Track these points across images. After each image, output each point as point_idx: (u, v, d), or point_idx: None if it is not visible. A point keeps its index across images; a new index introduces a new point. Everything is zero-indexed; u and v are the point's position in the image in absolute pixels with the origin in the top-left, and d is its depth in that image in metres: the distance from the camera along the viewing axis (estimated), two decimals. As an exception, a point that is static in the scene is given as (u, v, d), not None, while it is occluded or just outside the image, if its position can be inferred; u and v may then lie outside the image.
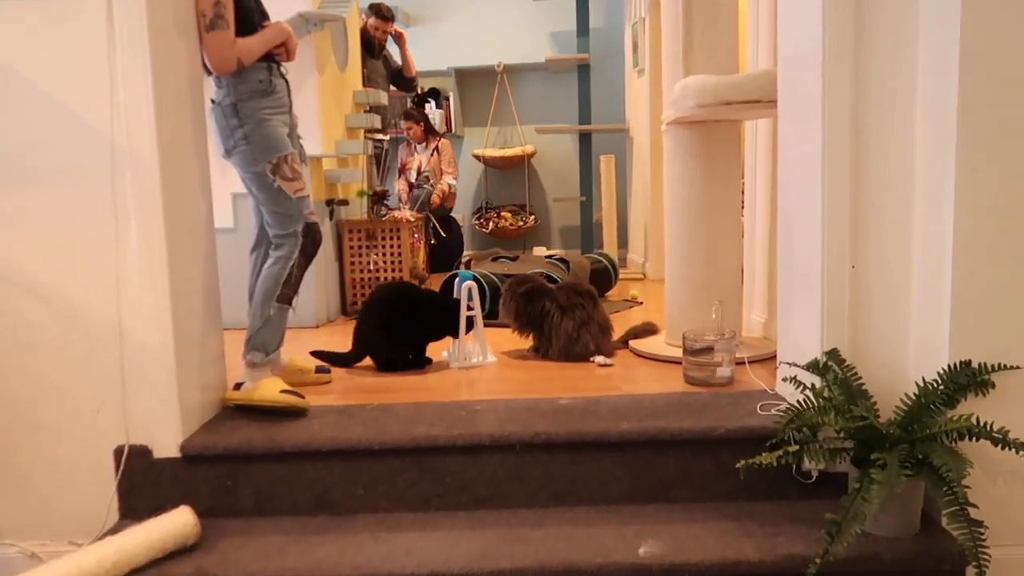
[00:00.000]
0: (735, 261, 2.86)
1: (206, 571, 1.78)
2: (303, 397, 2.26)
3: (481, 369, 2.81)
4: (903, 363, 1.94)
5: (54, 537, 2.08)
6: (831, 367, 1.91)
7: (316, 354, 2.79)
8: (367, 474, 2.05)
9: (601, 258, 4.40)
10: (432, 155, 5.69)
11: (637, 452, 2.03)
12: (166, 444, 2.05)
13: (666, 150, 2.91)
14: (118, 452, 2.05)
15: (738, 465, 1.85)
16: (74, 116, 2.01)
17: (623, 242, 5.81)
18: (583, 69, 5.77)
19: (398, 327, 2.81)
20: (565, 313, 2.88)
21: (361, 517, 2.03)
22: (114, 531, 1.91)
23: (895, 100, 1.89)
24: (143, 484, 2.06)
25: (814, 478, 1.98)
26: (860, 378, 1.90)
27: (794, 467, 1.98)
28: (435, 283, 4.04)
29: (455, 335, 2.87)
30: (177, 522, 1.87)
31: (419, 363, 2.86)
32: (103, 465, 2.06)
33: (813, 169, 1.96)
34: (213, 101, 2.28)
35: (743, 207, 3.12)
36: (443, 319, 2.87)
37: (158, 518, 1.88)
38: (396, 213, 4.24)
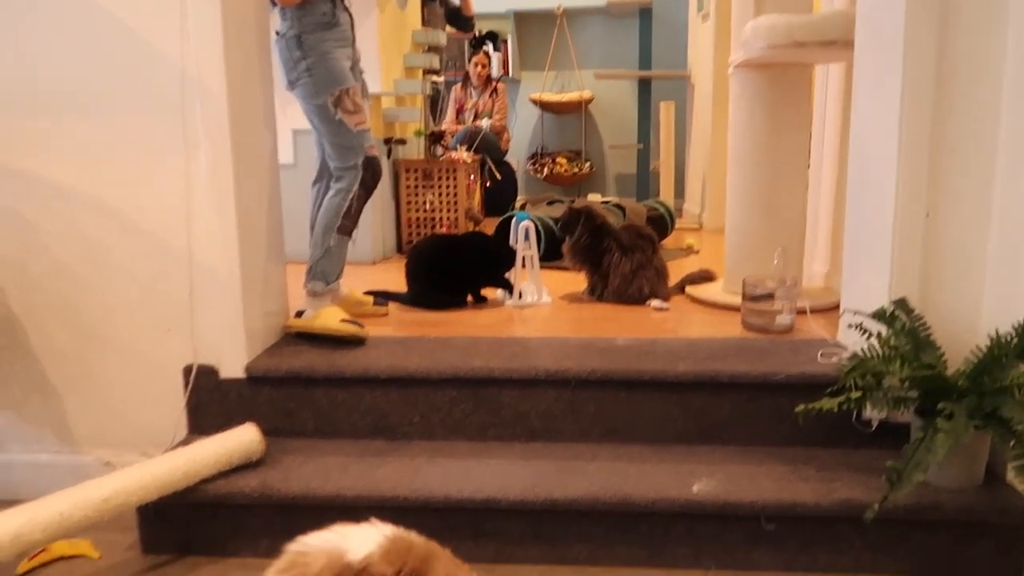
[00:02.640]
0: (799, 210, 2.79)
1: (270, 485, 1.86)
2: (362, 327, 2.31)
3: (536, 309, 2.82)
4: (974, 315, 1.89)
5: (127, 448, 2.19)
6: (899, 316, 1.87)
7: (372, 293, 2.83)
8: (424, 402, 2.09)
9: (657, 206, 4.34)
10: (489, 97, 5.63)
11: (693, 394, 2.02)
12: (232, 365, 2.12)
13: (732, 94, 2.83)
14: (187, 371, 2.13)
15: (797, 410, 1.83)
16: (146, 44, 2.04)
17: (679, 192, 5.71)
18: (645, 13, 5.62)
19: (446, 278, 2.83)
20: (625, 253, 2.86)
21: (417, 443, 2.08)
22: (183, 444, 1.99)
23: (983, 41, 1.80)
24: (210, 402, 2.13)
25: (874, 427, 1.96)
26: (928, 328, 1.85)
27: (854, 415, 1.96)
28: (489, 227, 4.05)
29: (503, 285, 2.88)
30: (243, 438, 1.94)
31: (476, 298, 2.89)
32: (173, 383, 2.14)
33: (890, 113, 1.89)
34: (278, 33, 2.29)
35: (810, 156, 3.03)
36: (491, 265, 2.88)
37: (225, 433, 1.95)
38: (453, 154, 4.23)
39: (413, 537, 1.36)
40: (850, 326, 1.94)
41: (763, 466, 1.90)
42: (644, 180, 5.76)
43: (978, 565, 1.76)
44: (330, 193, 2.38)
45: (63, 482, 1.73)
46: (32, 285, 2.15)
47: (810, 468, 1.88)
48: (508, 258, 2.87)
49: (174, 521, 1.90)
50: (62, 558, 1.90)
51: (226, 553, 1.89)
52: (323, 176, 2.47)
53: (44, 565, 1.88)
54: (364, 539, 1.30)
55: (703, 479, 1.83)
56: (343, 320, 2.29)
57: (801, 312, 2.46)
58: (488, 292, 2.94)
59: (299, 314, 2.39)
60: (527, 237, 2.90)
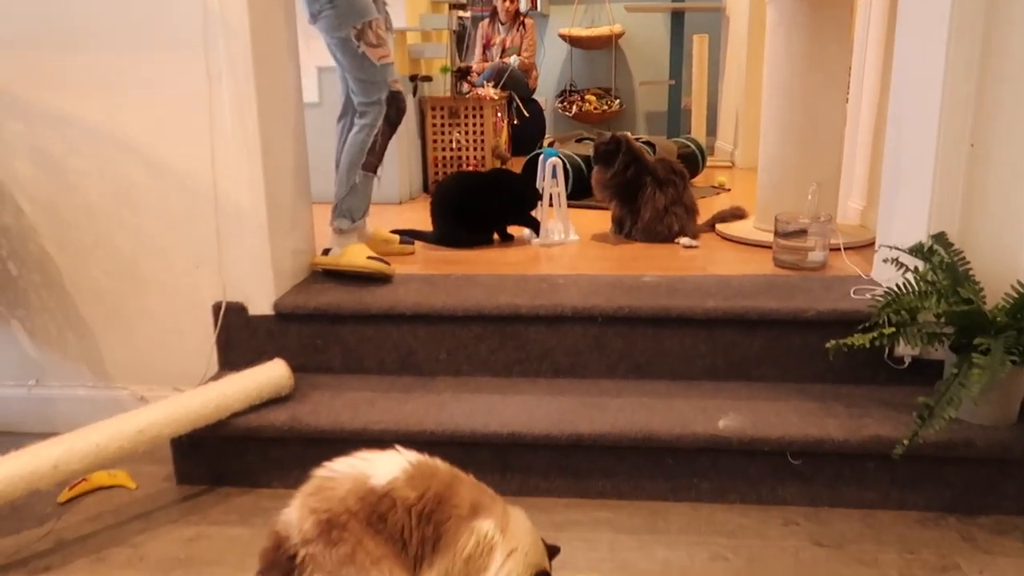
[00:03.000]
0: (836, 144, 2.70)
1: (299, 419, 1.88)
2: (388, 264, 2.30)
3: (563, 247, 2.79)
4: (1016, 249, 1.83)
5: (160, 383, 2.23)
6: (937, 251, 1.81)
7: (398, 232, 2.81)
8: (450, 339, 2.09)
9: (688, 143, 4.24)
10: (517, 31, 5.50)
11: (722, 330, 2.00)
12: (260, 302, 2.14)
13: (769, 23, 2.71)
14: (216, 308, 2.15)
15: (828, 345, 1.80)
16: (166, -24, 2.00)
17: (711, 129, 5.57)
18: (679, -59, 5.40)
19: (471, 216, 2.80)
20: (660, 188, 2.79)
21: (443, 379, 2.09)
22: (214, 380, 2.02)
23: (1042, -44, 1.69)
24: (239, 339, 2.16)
25: (906, 364, 1.92)
26: (967, 263, 1.80)
27: (886, 351, 1.92)
28: (516, 166, 3.99)
29: (529, 224, 2.84)
30: (272, 373, 1.97)
31: (502, 236, 2.87)
32: (203, 319, 2.17)
33: (937, 40, 1.80)
34: (299, -36, 2.23)
35: (848, 90, 2.92)
36: (516, 203, 2.84)
37: (254, 369, 1.98)
38: (480, 91, 4.15)
39: (438, 463, 1.38)
40: (885, 261, 1.89)
41: (791, 402, 1.88)
42: (675, 118, 5.62)
43: (1008, 503, 1.73)
44: (354, 130, 2.35)
45: (99, 416, 1.77)
46: (64, 224, 2.17)
47: (839, 405, 1.86)
48: (533, 196, 2.84)
49: (207, 453, 1.95)
50: (101, 488, 1.97)
51: (258, 484, 1.94)
52: (347, 112, 2.44)
53: (84, 495, 1.94)
54: (389, 464, 1.32)
55: (730, 415, 1.82)
56: (370, 257, 2.29)
57: (835, 249, 2.40)
58: (514, 230, 2.91)
59: (326, 252, 2.39)
60: (555, 175, 2.85)
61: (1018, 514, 1.73)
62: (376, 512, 1.27)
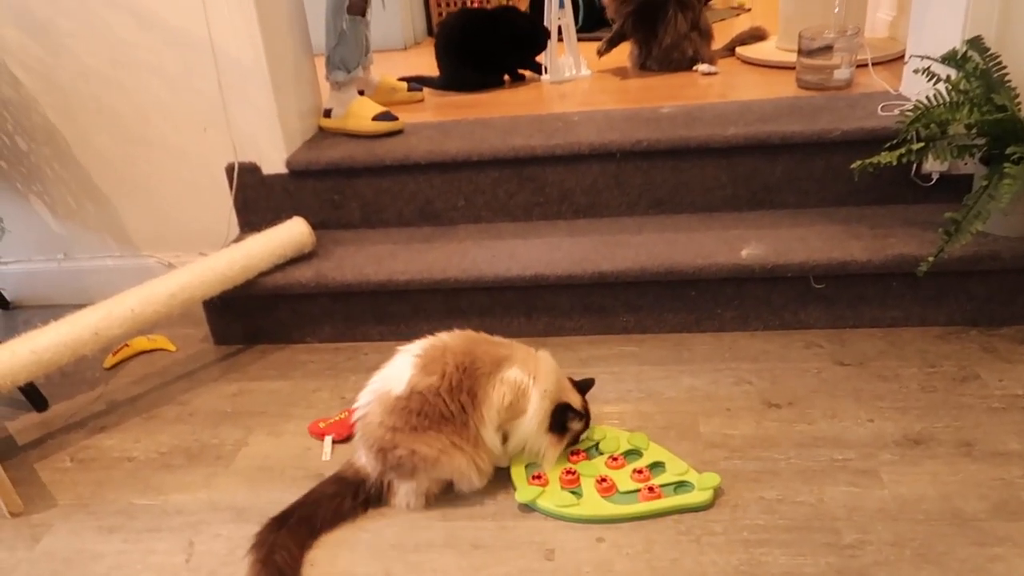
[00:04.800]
0: (865, -52, 2.51)
1: (325, 274, 1.91)
2: (397, 118, 2.23)
3: (575, 83, 2.69)
4: (1058, 51, 1.72)
5: (185, 249, 2.26)
6: (971, 57, 1.71)
7: (406, 79, 2.71)
8: (467, 185, 2.07)
9: (705, -40, 3.95)
10: None
11: (743, 158, 1.95)
12: (273, 160, 2.11)
13: None
14: (229, 169, 2.13)
15: (853, 165, 1.75)
16: None
17: (730, -56, 5.17)
18: None
19: (479, 57, 2.67)
20: (682, 10, 2.62)
21: (463, 227, 2.09)
22: (237, 242, 2.03)
23: None
24: (256, 199, 2.15)
25: (934, 180, 1.87)
26: (1004, 68, 1.70)
27: (914, 169, 1.87)
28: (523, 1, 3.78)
29: (534, 68, 2.72)
30: (293, 231, 1.98)
31: (513, 77, 2.77)
32: (218, 182, 2.15)
33: None
34: None
35: None
36: (524, 44, 2.70)
37: (275, 228, 1.99)
38: (478, -83, 3.85)
39: (443, 337, 1.43)
40: (916, 72, 1.79)
41: (815, 227, 1.86)
42: (691, -67, 5.21)
43: (1033, 312, 1.74)
44: None
45: (129, 284, 1.80)
46: (62, 91, 2.11)
47: (863, 226, 1.83)
48: (540, 38, 2.69)
49: (239, 313, 2.00)
50: (143, 352, 2.04)
51: (291, 340, 2.00)
52: None
53: (127, 359, 2.03)
54: (400, 368, 1.39)
55: (752, 243, 1.81)
56: (376, 116, 2.20)
57: (862, 65, 2.29)
58: (525, 71, 2.79)
59: (327, 112, 2.30)
60: (562, 5, 2.69)
61: (1041, 322, 1.75)
62: (412, 412, 1.34)
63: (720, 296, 1.82)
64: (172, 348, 2.05)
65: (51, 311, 1.78)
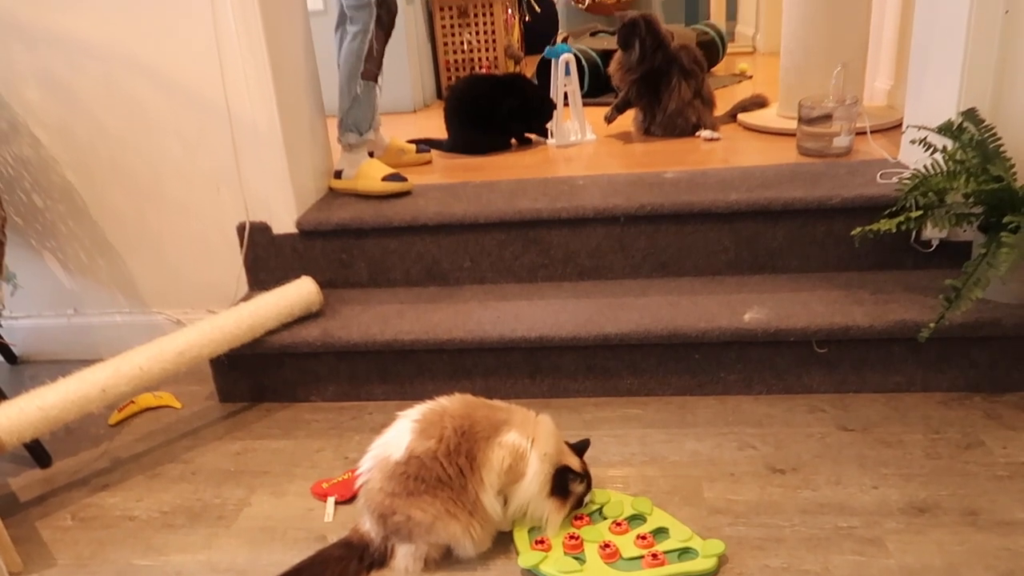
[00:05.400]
0: (862, 21, 2.58)
1: (331, 333, 1.93)
2: (405, 180, 2.28)
3: (581, 147, 2.75)
4: (1051, 123, 1.77)
5: (194, 306, 2.28)
6: (967, 128, 1.76)
7: (414, 141, 2.78)
8: (473, 247, 2.10)
9: (707, 29, 4.08)
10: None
11: (745, 223, 1.98)
12: (283, 220, 2.15)
13: None
14: (240, 228, 2.17)
15: (854, 232, 1.78)
16: None
17: (731, 13, 5.33)
18: None
19: (486, 121, 2.75)
20: (684, 79, 2.70)
21: (469, 288, 2.12)
22: (245, 300, 2.06)
23: None
24: (266, 257, 2.19)
25: (933, 247, 1.90)
26: (999, 139, 1.74)
27: (913, 235, 1.90)
28: (530, 65, 3.89)
29: (541, 133, 2.79)
30: (302, 290, 2.00)
31: (519, 140, 2.83)
32: (229, 241, 2.19)
33: None
34: None
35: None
36: (531, 112, 2.78)
37: (283, 287, 2.01)
38: (488, -13, 3.99)
39: (442, 402, 1.44)
40: (913, 142, 1.84)
41: (816, 292, 1.88)
42: (692, 2, 5.39)
43: (1036, 379, 1.75)
44: (348, 38, 2.27)
45: (138, 340, 1.82)
46: (80, 149, 2.17)
47: (864, 291, 1.85)
48: (547, 106, 2.77)
49: (245, 371, 2.01)
50: (148, 409, 2.05)
51: (296, 399, 2.01)
52: (343, 21, 2.36)
53: (132, 416, 2.03)
54: (399, 433, 1.40)
55: (755, 307, 1.83)
56: (385, 177, 2.26)
57: (861, 133, 2.34)
58: (531, 135, 2.86)
59: (338, 174, 2.36)
60: (568, 72, 2.78)
61: (1045, 390, 1.75)
62: (409, 477, 1.35)
63: (723, 359, 1.83)
64: (178, 405, 2.06)
65: (58, 366, 1.80)
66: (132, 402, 2.03)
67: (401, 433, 1.39)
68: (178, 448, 1.87)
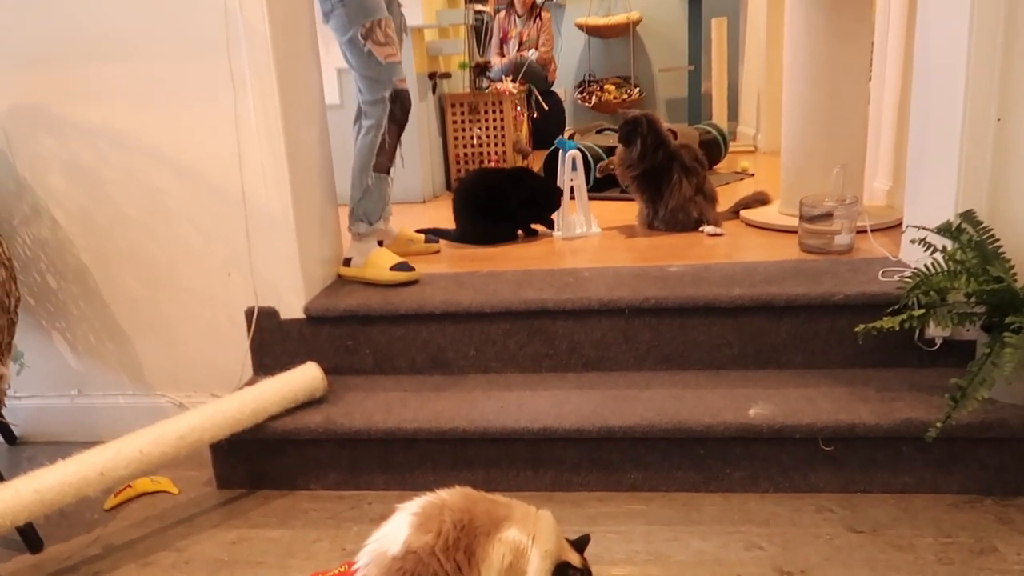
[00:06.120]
0: (860, 124, 2.67)
1: (334, 420, 1.92)
2: (413, 269, 2.32)
3: (586, 239, 2.80)
4: (1048, 226, 1.80)
5: (197, 390, 2.28)
6: (965, 229, 1.79)
7: (423, 231, 2.83)
8: (478, 336, 2.11)
9: (710, 128, 4.21)
10: (534, 24, 5.50)
11: (749, 318, 1.99)
12: (291, 306, 2.17)
13: (788, 2, 2.69)
14: (249, 313, 2.19)
15: (857, 329, 1.79)
16: (187, -15, 2.03)
17: (733, 114, 5.52)
18: (694, -76, 5.34)
19: (494, 213, 2.81)
20: (687, 176, 2.77)
21: (473, 377, 2.12)
22: (250, 384, 2.06)
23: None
24: (272, 343, 2.20)
25: (937, 345, 1.90)
26: (997, 240, 1.77)
27: (917, 333, 1.90)
28: (537, 159, 4.00)
29: (548, 224, 2.86)
30: (306, 376, 2.01)
31: (526, 232, 2.89)
32: (236, 325, 2.21)
33: (960, 10, 1.77)
34: (313, -35, 2.25)
35: (871, 67, 2.88)
36: (538, 203, 2.85)
37: (288, 372, 2.02)
38: (498, 85, 4.16)
39: (442, 495, 1.41)
40: (913, 242, 1.87)
41: (821, 388, 1.87)
42: (696, 103, 5.58)
43: (1048, 482, 1.72)
44: (361, 132, 2.36)
45: (140, 423, 1.82)
46: (98, 234, 2.22)
47: (870, 389, 1.85)
48: (553, 198, 2.84)
49: (246, 457, 1.99)
50: (145, 494, 2.02)
51: (295, 487, 1.98)
52: (361, 114, 2.46)
53: (129, 500, 2.00)
54: (397, 527, 1.37)
55: (760, 403, 1.82)
56: (393, 266, 2.30)
57: (861, 231, 2.38)
58: (537, 226, 2.92)
59: (347, 261, 2.40)
60: (575, 167, 2.86)
61: (1057, 494, 1.72)
62: (406, 573, 1.31)
63: (729, 455, 1.81)
64: (175, 491, 2.03)
65: (58, 448, 1.79)
66: (129, 486, 2.00)
67: (399, 527, 1.36)
68: (172, 536, 1.83)
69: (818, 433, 1.74)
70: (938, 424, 1.62)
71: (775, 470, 1.80)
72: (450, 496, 1.42)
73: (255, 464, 1.99)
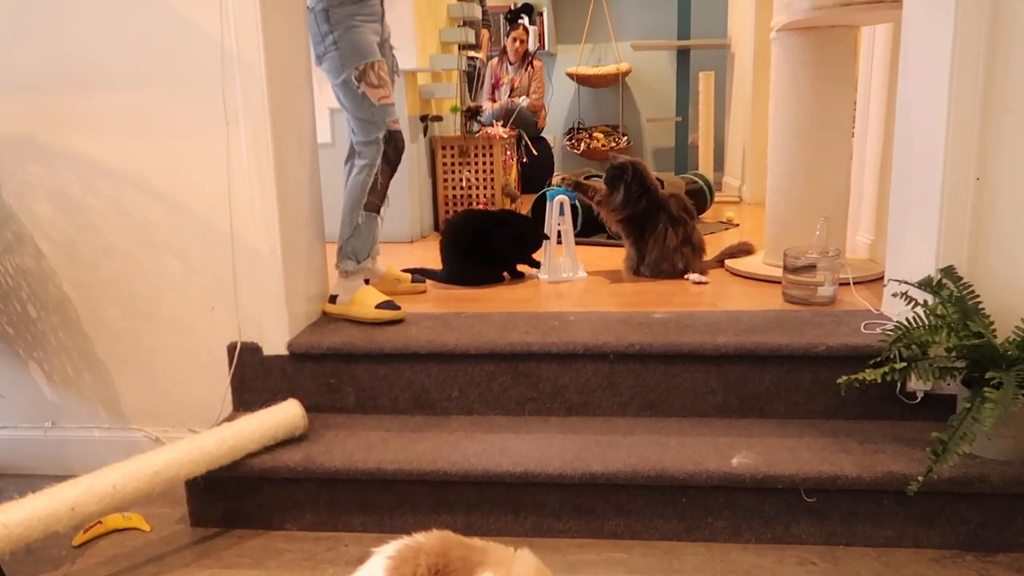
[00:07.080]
0: (843, 178, 2.72)
1: (314, 459, 1.89)
2: (399, 308, 2.31)
3: (572, 284, 2.81)
4: (1026, 283, 1.83)
5: (175, 424, 2.25)
6: (946, 284, 1.82)
7: (409, 271, 2.84)
8: (462, 377, 2.10)
9: (696, 178, 4.27)
10: (526, 71, 5.59)
11: (732, 366, 2.00)
12: (275, 342, 2.16)
13: (774, 59, 2.76)
14: (231, 348, 2.17)
15: (840, 380, 1.80)
16: (184, 19, 2.06)
17: (719, 165, 5.62)
18: (683, -19, 5.50)
19: (480, 255, 2.83)
20: (672, 226, 2.81)
21: (456, 418, 2.10)
22: (229, 420, 2.03)
23: (1040, -5, 1.72)
24: (254, 378, 2.18)
25: (919, 399, 1.92)
26: (977, 296, 1.80)
27: (898, 386, 1.92)
28: (525, 204, 4.04)
29: (532, 264, 2.88)
30: (287, 413, 1.98)
31: (512, 274, 2.90)
32: (218, 360, 2.19)
33: (940, 72, 1.83)
34: (309, 8, 2.29)
35: (854, 123, 2.95)
36: (522, 242, 2.87)
37: (269, 409, 1.99)
38: (489, 130, 4.22)
39: (418, 539, 1.40)
40: (895, 296, 1.89)
41: (804, 439, 1.87)
42: (682, 153, 5.68)
43: (1028, 539, 1.72)
44: (354, 171, 2.38)
45: (114, 457, 1.79)
46: (82, 264, 2.21)
47: (852, 440, 1.85)
48: (538, 239, 2.86)
49: (221, 495, 1.95)
50: (116, 531, 1.97)
51: (271, 526, 1.94)
52: (354, 154, 2.48)
53: (98, 537, 1.95)
54: (372, 572, 1.35)
55: (742, 452, 1.81)
56: (379, 305, 2.29)
57: (844, 283, 2.41)
58: (525, 267, 2.94)
59: (333, 299, 2.40)
60: (562, 212, 2.88)
61: (1037, 551, 1.71)
62: None
63: (711, 504, 1.79)
64: (147, 528, 1.98)
65: (29, 481, 1.75)
66: (99, 522, 1.96)
67: (374, 571, 1.34)
68: (142, 575, 1.78)
69: (800, 484, 1.73)
70: (920, 478, 1.62)
71: (757, 520, 1.79)
72: (427, 540, 1.40)
73: (231, 502, 1.95)
